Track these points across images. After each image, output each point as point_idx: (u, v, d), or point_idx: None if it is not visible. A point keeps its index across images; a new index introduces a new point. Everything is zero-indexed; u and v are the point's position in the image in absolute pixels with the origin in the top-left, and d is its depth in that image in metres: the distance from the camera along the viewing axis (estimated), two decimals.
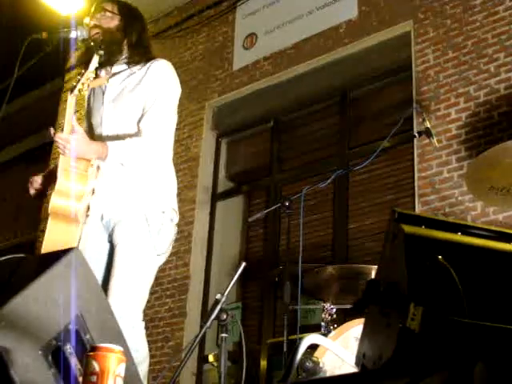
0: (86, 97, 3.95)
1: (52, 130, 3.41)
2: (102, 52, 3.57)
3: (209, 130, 8.23)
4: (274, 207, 4.90)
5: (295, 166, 7.57)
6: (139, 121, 3.63)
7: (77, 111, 3.50)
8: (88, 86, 3.46)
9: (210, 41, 8.63)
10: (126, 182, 3.58)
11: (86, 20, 3.85)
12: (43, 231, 3.46)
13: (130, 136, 3.57)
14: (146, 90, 3.68)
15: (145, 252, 3.53)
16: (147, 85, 3.70)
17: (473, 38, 6.23)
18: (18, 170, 11.17)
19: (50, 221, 3.35)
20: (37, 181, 3.73)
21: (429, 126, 4.49)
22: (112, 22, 3.84)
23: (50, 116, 10.02)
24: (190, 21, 8.87)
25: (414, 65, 6.58)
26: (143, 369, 3.32)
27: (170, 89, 3.78)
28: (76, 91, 3.43)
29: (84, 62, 3.69)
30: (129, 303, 3.39)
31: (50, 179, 3.65)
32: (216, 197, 8.02)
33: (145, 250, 3.53)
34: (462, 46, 6.28)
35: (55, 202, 3.34)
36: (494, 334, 1.88)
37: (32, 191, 3.72)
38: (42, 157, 9.54)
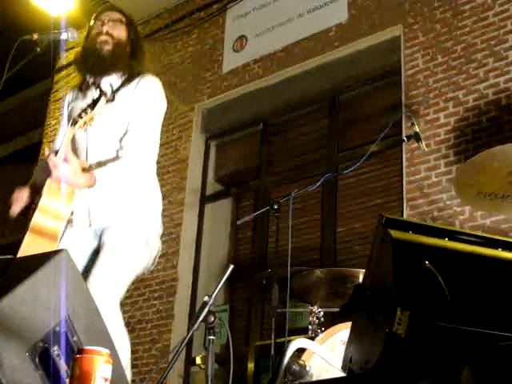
0: (68, 107, 3.91)
1: (47, 151, 3.41)
2: (111, 97, 3.57)
3: (198, 132, 8.23)
4: (262, 210, 4.90)
5: (284, 169, 7.57)
6: (122, 138, 3.61)
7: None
8: (91, 124, 3.49)
9: (200, 43, 8.63)
10: (117, 194, 3.58)
11: (92, 22, 3.83)
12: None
13: (111, 160, 3.56)
14: (132, 108, 3.65)
15: (136, 251, 3.55)
16: (134, 102, 3.66)
17: (462, 43, 6.25)
18: (6, 170, 11.13)
19: (28, 235, 3.34)
20: (22, 198, 3.70)
21: (418, 130, 4.49)
22: (123, 33, 3.81)
23: (39, 117, 10.01)
24: (180, 23, 8.87)
25: (403, 69, 6.60)
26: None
27: (156, 107, 3.74)
28: (77, 126, 3.45)
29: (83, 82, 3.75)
30: (107, 289, 3.36)
31: (34, 191, 3.63)
32: (205, 199, 8.01)
33: (137, 249, 3.55)
34: (451, 50, 6.30)
35: (37, 219, 3.36)
36: (480, 340, 1.89)
37: (16, 208, 3.69)
38: (31, 157, 9.51)
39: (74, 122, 3.47)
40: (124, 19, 3.88)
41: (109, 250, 3.49)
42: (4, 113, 11.17)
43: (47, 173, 3.40)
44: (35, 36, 3.58)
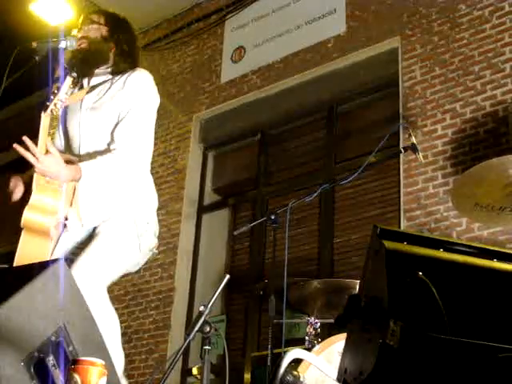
0: (61, 111, 3.89)
1: (20, 147, 3.41)
2: (74, 74, 3.57)
3: (196, 142, 8.23)
4: (260, 220, 4.90)
5: (282, 180, 7.58)
6: (113, 130, 3.60)
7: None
8: (61, 106, 3.48)
9: (198, 53, 8.65)
10: (109, 190, 3.56)
11: (74, 32, 3.85)
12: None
13: (102, 152, 3.55)
14: (122, 101, 3.65)
15: (127, 244, 3.55)
16: (124, 94, 3.67)
17: (460, 55, 6.27)
18: (3, 179, 11.12)
19: (23, 234, 3.35)
20: (20, 184, 3.71)
21: (415, 141, 4.49)
22: (98, 32, 3.84)
23: (38, 126, 9.99)
24: (179, 33, 8.89)
25: (401, 81, 6.61)
26: None
27: (146, 98, 3.72)
28: (48, 111, 3.44)
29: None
30: (92, 273, 3.35)
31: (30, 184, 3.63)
32: (202, 209, 8.02)
33: (127, 242, 3.55)
34: (448, 62, 6.32)
35: (27, 216, 3.35)
36: (474, 351, 1.89)
37: (17, 196, 3.70)
38: (30, 166, 9.49)
39: (45, 109, 3.46)
40: (96, 18, 3.90)
41: (98, 239, 3.49)
42: (3, 121, 11.15)
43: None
44: (34, 44, 3.58)
